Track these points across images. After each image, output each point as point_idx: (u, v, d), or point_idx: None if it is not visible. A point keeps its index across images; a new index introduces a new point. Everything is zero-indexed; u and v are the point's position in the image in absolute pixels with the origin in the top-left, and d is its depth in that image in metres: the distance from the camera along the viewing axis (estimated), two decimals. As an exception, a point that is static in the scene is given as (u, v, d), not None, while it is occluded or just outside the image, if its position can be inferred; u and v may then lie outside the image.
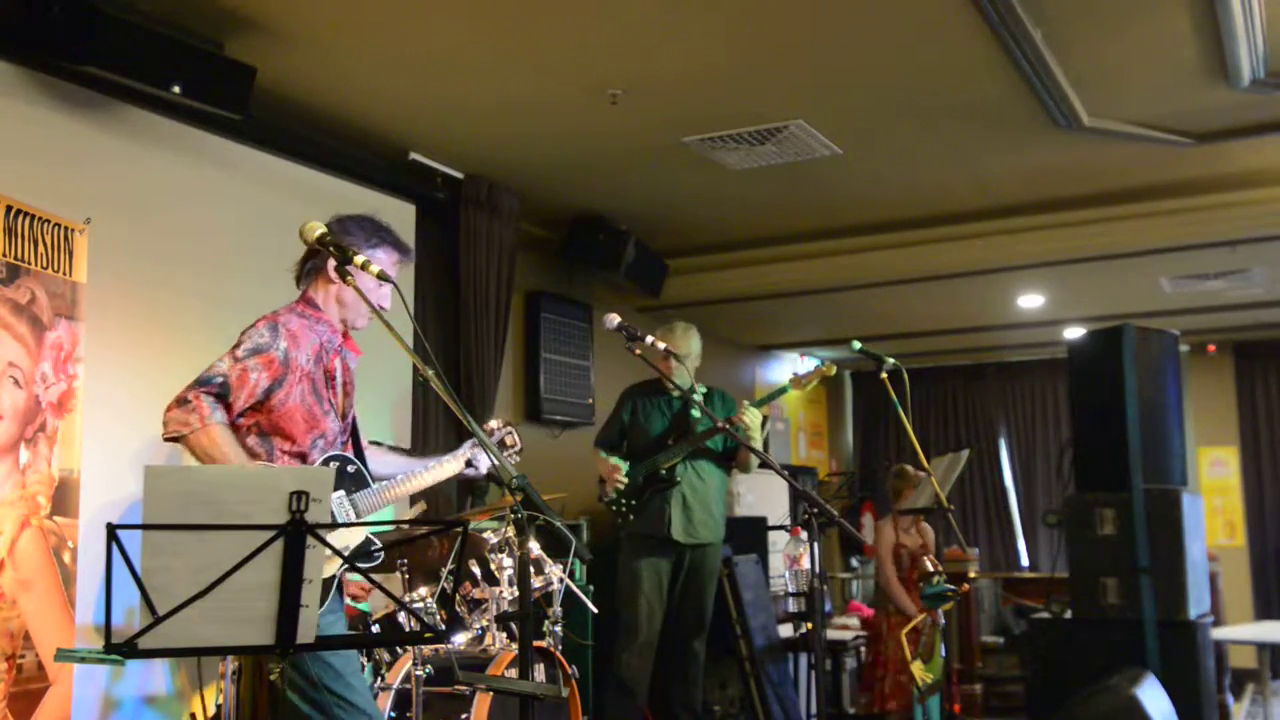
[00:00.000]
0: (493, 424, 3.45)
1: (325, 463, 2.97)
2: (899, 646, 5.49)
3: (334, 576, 2.93)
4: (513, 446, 3.40)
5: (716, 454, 5.14)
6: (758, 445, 4.92)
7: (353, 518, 3.01)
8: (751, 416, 4.83)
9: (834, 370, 5.10)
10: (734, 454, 5.18)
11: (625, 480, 5.07)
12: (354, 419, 3.14)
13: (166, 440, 2.83)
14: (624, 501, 5.07)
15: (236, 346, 2.89)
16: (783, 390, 5.08)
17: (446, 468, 3.27)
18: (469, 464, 3.28)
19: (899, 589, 5.54)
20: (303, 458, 2.95)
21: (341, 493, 2.99)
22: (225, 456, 2.76)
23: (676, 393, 5.08)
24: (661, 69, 4.56)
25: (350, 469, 3.04)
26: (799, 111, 5.02)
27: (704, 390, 5.15)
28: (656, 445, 5.11)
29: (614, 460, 5.13)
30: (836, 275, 7.28)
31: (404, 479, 3.17)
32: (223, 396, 2.83)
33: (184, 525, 2.04)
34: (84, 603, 3.84)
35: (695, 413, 5.08)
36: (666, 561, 5.07)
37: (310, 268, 3.08)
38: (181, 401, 2.79)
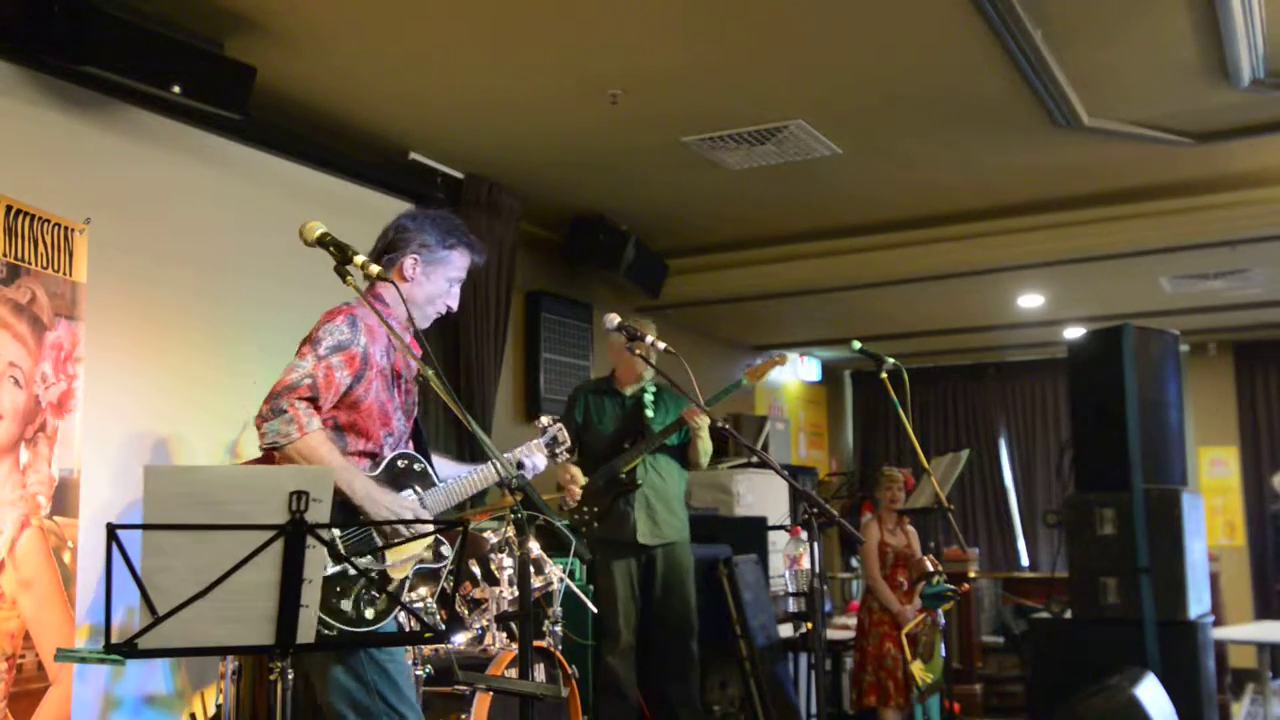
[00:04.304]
0: (544, 420, 3.40)
1: (393, 461, 2.91)
2: (882, 642, 5.50)
3: (406, 579, 2.87)
4: (564, 443, 3.35)
5: (672, 448, 5.08)
6: (706, 444, 4.90)
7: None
8: (701, 420, 4.81)
9: (786, 360, 5.08)
10: (685, 449, 5.11)
11: (580, 489, 4.99)
12: (417, 419, 3.08)
13: (264, 450, 2.76)
14: (585, 509, 4.97)
15: (316, 343, 2.77)
16: (736, 385, 5.04)
17: (496, 469, 3.13)
18: (520, 465, 3.23)
19: (883, 584, 5.54)
20: (374, 456, 2.88)
21: (409, 491, 2.93)
22: (324, 462, 2.68)
23: (628, 391, 5.07)
24: (661, 69, 4.57)
25: (417, 467, 2.97)
26: (799, 111, 5.02)
27: (654, 388, 5.13)
28: (611, 447, 5.04)
29: (571, 469, 4.93)
30: (836, 275, 7.28)
31: (466, 477, 3.07)
32: (313, 400, 2.73)
33: (184, 525, 2.04)
34: (84, 603, 3.84)
35: (649, 411, 5.05)
36: (636, 564, 5.04)
37: (387, 261, 2.95)
38: (277, 411, 2.69)
